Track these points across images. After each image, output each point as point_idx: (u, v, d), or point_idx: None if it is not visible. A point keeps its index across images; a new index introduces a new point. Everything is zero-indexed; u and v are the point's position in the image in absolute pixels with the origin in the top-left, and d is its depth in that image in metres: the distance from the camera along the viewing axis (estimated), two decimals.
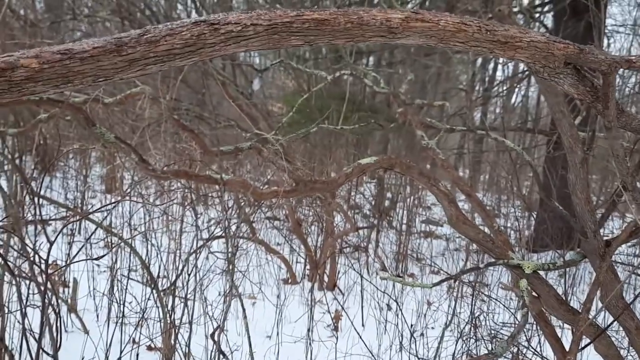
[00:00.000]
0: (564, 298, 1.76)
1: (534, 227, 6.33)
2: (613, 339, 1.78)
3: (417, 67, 5.65)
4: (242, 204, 4.18)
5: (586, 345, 1.62)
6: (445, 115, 5.56)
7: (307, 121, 4.71)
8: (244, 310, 2.26)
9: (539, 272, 1.73)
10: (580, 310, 1.67)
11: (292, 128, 4.81)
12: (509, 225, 6.07)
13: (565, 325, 3.09)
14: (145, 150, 2.59)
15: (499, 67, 8.39)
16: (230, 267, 2.15)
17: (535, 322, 1.89)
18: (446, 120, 4.64)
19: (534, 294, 1.76)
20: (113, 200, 4.61)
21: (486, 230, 2.79)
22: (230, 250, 2.25)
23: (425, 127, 2.59)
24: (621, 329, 1.74)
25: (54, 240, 1.63)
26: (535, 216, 6.47)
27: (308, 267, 4.71)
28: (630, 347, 1.71)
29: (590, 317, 1.66)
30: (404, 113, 2.46)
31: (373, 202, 6.72)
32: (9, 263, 1.97)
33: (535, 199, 6.66)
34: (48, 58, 0.62)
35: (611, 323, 1.62)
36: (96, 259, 1.60)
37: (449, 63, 6.06)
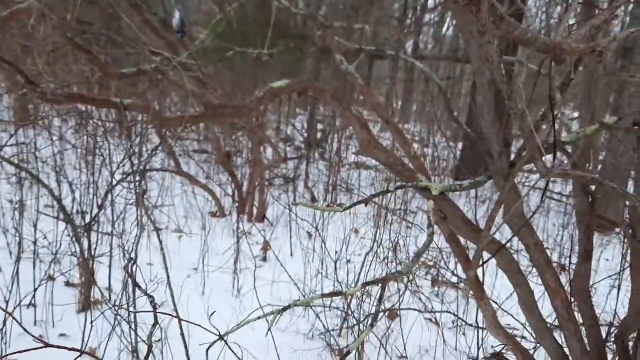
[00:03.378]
0: (470, 219, 1.81)
1: (459, 156, 6.54)
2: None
3: None
4: (165, 135, 4.02)
5: (487, 261, 1.69)
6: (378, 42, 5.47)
7: (231, 48, 4.49)
8: (160, 242, 2.19)
9: (447, 193, 1.76)
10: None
11: (217, 55, 4.60)
12: (436, 155, 6.22)
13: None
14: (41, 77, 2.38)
15: None
16: (141, 198, 2.07)
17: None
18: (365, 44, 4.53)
19: (442, 215, 1.79)
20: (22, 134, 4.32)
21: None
22: (138, 180, 2.15)
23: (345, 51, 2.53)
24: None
25: None
26: (460, 146, 6.67)
27: (237, 199, 4.67)
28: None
29: (494, 235, 1.72)
30: (324, 36, 2.38)
31: (305, 134, 6.67)
32: None
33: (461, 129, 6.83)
34: None
35: (510, 239, 1.69)
36: None
37: None
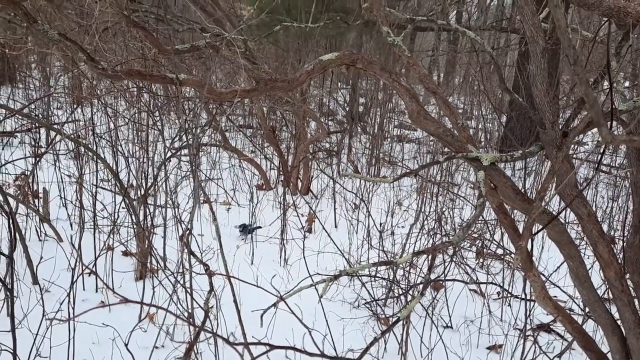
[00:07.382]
0: (520, 190, 1.80)
1: (504, 128, 6.41)
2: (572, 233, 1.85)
3: None
4: (213, 110, 4.11)
5: (538, 231, 1.69)
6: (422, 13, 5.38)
7: (276, 23, 4.52)
8: (213, 213, 2.28)
9: (497, 164, 1.75)
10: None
11: (262, 30, 4.64)
12: (480, 127, 6.12)
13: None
14: (100, 54, 2.47)
15: None
16: (194, 169, 2.15)
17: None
18: (411, 13, 4.46)
19: (492, 185, 1.80)
20: (79, 111, 4.49)
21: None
22: (193, 154, 2.23)
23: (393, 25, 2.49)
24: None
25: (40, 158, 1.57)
26: (505, 117, 6.53)
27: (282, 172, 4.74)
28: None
29: (546, 206, 1.71)
30: (370, 8, 2.37)
31: (347, 108, 6.67)
32: None
33: (507, 100, 6.68)
34: None
35: (564, 208, 1.68)
36: None
37: None
